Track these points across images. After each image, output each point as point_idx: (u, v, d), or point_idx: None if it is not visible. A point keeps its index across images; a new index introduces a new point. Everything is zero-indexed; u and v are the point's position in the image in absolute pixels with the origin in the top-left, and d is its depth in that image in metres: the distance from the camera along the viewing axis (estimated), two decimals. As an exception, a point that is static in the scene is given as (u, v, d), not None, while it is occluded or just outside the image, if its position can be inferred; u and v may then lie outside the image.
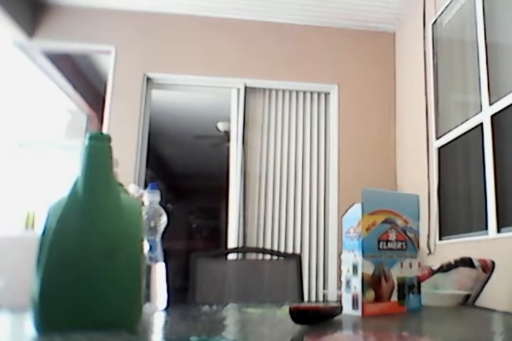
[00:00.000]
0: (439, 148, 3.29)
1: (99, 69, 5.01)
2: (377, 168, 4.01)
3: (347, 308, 0.98)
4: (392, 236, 1.03)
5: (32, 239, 0.82)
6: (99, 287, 0.70)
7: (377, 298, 0.98)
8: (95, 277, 0.70)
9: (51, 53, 4.17)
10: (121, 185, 0.80)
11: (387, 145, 4.08)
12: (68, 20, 3.96)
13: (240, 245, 3.80)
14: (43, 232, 0.72)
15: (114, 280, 0.71)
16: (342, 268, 1.02)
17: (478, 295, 1.84)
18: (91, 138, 0.74)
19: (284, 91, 4.17)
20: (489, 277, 1.87)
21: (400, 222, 1.05)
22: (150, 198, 1.08)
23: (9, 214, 4.11)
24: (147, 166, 4.00)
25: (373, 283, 0.98)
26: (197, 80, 4.08)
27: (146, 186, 1.12)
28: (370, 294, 0.97)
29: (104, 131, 3.81)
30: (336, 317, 0.89)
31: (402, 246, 1.05)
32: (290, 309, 0.81)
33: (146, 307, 0.93)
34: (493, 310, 1.13)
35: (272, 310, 1.06)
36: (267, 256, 2.63)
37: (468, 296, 1.30)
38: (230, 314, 1.04)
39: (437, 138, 3.31)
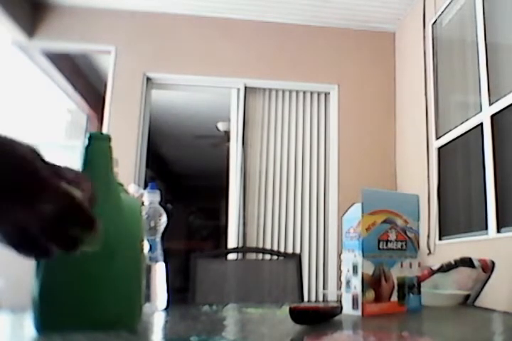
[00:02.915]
0: (439, 148, 3.29)
1: (99, 69, 5.01)
2: (377, 168, 4.01)
3: (347, 308, 0.98)
4: (392, 236, 1.03)
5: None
6: (99, 287, 0.70)
7: (377, 298, 0.98)
8: (95, 277, 0.70)
9: (51, 53, 4.17)
10: (121, 185, 0.80)
11: (387, 145, 4.08)
12: (68, 21, 3.96)
13: (240, 245, 3.80)
14: (43, 232, 0.72)
15: (114, 280, 0.71)
16: (342, 268, 1.02)
17: (478, 295, 1.84)
18: (91, 138, 0.74)
19: (284, 91, 4.17)
20: (489, 277, 1.87)
21: (399, 222, 1.05)
22: (150, 198, 1.08)
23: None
24: (147, 166, 4.00)
25: (373, 283, 0.98)
26: (197, 80, 4.08)
27: (146, 186, 1.12)
28: (370, 294, 0.97)
29: (104, 131, 3.81)
30: (336, 317, 0.89)
31: (402, 246, 1.05)
32: (290, 309, 0.81)
33: (146, 307, 0.93)
34: (493, 310, 1.13)
35: (272, 310, 1.06)
36: (267, 256, 2.63)
37: (468, 296, 1.30)
38: (230, 314, 1.04)
39: (437, 138, 3.31)
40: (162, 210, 1.09)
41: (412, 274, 1.06)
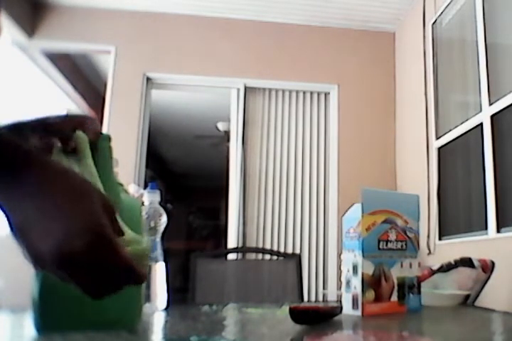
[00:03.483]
0: (439, 148, 3.29)
1: (99, 69, 5.01)
2: (377, 168, 4.01)
3: (347, 308, 0.98)
4: (392, 236, 1.03)
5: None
6: (99, 287, 0.70)
7: (377, 298, 0.98)
8: (95, 277, 0.70)
9: (51, 53, 4.17)
10: (121, 185, 0.80)
11: (387, 145, 4.08)
12: (68, 20, 3.96)
13: (240, 245, 3.80)
14: (43, 232, 0.72)
15: (114, 280, 0.71)
16: (342, 268, 1.02)
17: (478, 295, 1.84)
18: (91, 138, 0.74)
19: (284, 91, 4.17)
20: (489, 277, 1.87)
21: (399, 222, 1.05)
22: (150, 198, 1.08)
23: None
24: (147, 166, 4.00)
25: (373, 283, 0.98)
26: (197, 80, 4.08)
27: (146, 186, 1.12)
28: (370, 294, 0.97)
29: (104, 131, 3.80)
30: (336, 317, 0.89)
31: (402, 246, 1.05)
32: (290, 309, 0.81)
33: (146, 307, 0.93)
34: (493, 310, 1.13)
35: (271, 310, 1.06)
36: (267, 256, 2.63)
37: (468, 296, 1.30)
38: (230, 314, 1.04)
39: (437, 138, 3.31)
40: (162, 210, 1.09)
41: (412, 274, 1.06)
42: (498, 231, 2.50)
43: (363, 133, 4.08)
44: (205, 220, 10.06)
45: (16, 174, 0.46)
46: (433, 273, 1.50)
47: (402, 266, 1.04)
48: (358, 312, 0.96)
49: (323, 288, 3.87)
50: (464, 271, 1.68)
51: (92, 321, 0.69)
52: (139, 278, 0.50)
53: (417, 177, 3.54)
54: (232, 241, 3.83)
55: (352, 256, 1.00)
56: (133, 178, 3.71)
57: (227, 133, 5.62)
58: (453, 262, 1.64)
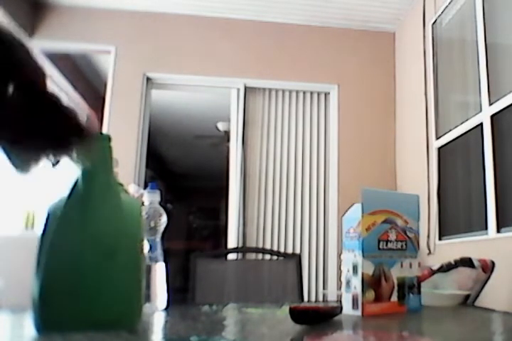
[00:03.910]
0: (439, 148, 3.29)
1: (99, 69, 5.01)
2: (377, 168, 4.01)
3: (347, 308, 0.98)
4: (392, 236, 1.03)
5: (32, 239, 0.82)
6: (99, 287, 0.70)
7: (377, 298, 0.98)
8: (95, 277, 0.70)
9: (51, 53, 4.17)
10: (121, 185, 0.80)
11: (387, 145, 4.07)
12: (68, 20, 3.96)
13: (240, 245, 3.80)
14: (43, 232, 0.72)
15: (114, 280, 0.71)
16: (342, 268, 1.02)
17: (478, 295, 1.84)
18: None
19: (284, 91, 4.17)
20: (489, 277, 1.87)
21: (400, 222, 1.05)
22: (150, 198, 1.08)
23: (9, 214, 4.11)
24: (147, 166, 4.00)
25: (373, 283, 0.98)
26: (197, 80, 4.08)
27: (146, 186, 1.12)
28: (370, 294, 0.97)
29: (104, 131, 3.81)
30: (336, 317, 0.89)
31: (402, 246, 1.05)
32: (290, 309, 0.81)
33: (146, 307, 0.93)
34: (493, 310, 1.13)
35: (271, 310, 1.06)
36: (267, 256, 2.63)
37: (468, 296, 1.30)
38: (230, 314, 1.04)
39: (437, 138, 3.31)
40: (162, 210, 1.09)
41: (412, 274, 1.06)
42: (498, 231, 2.50)
43: (363, 133, 4.08)
44: (205, 220, 10.06)
45: None
46: (433, 273, 1.50)
47: (402, 266, 1.04)
48: (358, 312, 0.96)
49: (323, 288, 3.87)
50: (464, 271, 1.68)
51: (92, 321, 0.69)
52: (76, 127, 0.36)
53: (417, 177, 3.54)
54: (232, 241, 3.83)
55: (352, 256, 1.00)
56: (133, 178, 3.71)
57: (227, 133, 5.62)
58: (453, 262, 1.64)
